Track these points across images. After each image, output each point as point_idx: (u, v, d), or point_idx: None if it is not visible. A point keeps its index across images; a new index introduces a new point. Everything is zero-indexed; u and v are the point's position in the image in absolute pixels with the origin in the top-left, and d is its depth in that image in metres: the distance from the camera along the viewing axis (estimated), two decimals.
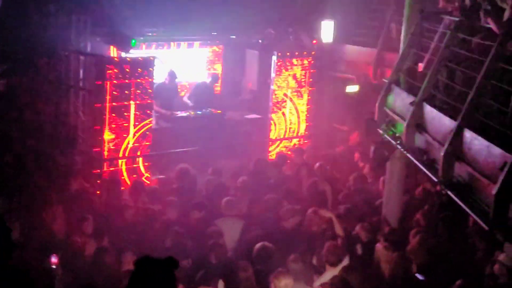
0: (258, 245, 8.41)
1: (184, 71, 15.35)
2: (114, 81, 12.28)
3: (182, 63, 15.36)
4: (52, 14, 12.09)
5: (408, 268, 8.31)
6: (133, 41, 12.04)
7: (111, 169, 12.51)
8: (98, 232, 9.32)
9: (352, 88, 15.62)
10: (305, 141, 15.47)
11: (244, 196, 10.88)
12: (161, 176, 12.79)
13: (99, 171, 12.33)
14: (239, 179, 11.47)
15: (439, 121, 7.80)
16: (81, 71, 12.63)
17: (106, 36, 12.29)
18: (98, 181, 12.10)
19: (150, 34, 12.91)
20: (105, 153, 12.44)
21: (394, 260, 8.46)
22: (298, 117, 15.39)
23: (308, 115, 15.51)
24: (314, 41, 15.38)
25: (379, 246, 8.92)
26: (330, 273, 8.34)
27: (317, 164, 12.31)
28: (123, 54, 12.54)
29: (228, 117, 14.61)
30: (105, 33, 12.30)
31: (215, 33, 14.55)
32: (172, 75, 14.51)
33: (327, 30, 15.37)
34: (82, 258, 8.67)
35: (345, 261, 8.56)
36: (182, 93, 15.35)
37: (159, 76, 13.86)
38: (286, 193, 11.07)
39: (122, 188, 11.82)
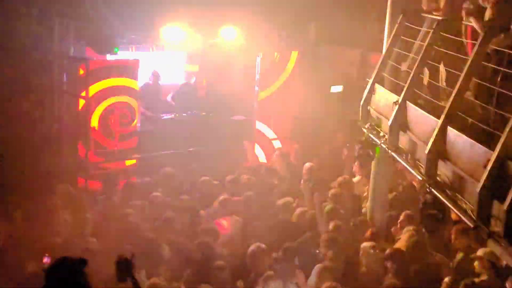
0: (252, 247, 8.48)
1: (168, 73, 15.33)
2: (98, 84, 12.24)
3: (165, 65, 15.36)
4: (34, 18, 12.05)
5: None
6: (116, 49, 12.02)
7: (99, 172, 12.47)
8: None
9: (337, 89, 15.64)
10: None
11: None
12: (147, 179, 12.76)
13: (85, 174, 12.27)
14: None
15: (423, 120, 7.85)
16: (64, 75, 12.61)
17: (89, 39, 12.23)
18: (84, 185, 12.06)
19: (133, 37, 12.84)
20: (90, 156, 12.38)
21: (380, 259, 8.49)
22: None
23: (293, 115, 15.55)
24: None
25: (365, 246, 8.97)
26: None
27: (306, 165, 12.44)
28: (108, 57, 12.50)
29: (213, 119, 14.57)
30: (88, 36, 12.24)
31: None
32: (156, 76, 14.47)
33: (309, 31, 15.39)
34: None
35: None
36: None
37: (143, 77, 13.83)
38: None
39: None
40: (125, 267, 5.79)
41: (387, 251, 8.41)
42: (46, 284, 5.15)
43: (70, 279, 5.14)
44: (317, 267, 8.28)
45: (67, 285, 5.15)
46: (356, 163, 12.05)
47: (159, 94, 14.81)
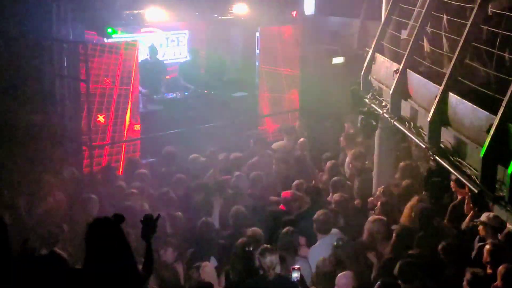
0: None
1: (167, 51, 15.27)
2: (98, 66, 12.17)
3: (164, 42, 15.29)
4: (32, 2, 11.98)
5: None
6: (112, 30, 11.93)
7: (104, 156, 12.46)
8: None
9: (338, 60, 15.56)
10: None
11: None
12: (152, 159, 12.77)
13: (89, 158, 12.26)
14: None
15: (424, 88, 7.78)
16: (64, 59, 12.55)
17: (86, 22, 12.15)
18: (88, 169, 12.07)
19: (131, 18, 12.73)
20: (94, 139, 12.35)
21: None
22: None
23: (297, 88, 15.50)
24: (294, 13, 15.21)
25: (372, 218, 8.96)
26: (322, 241, 8.43)
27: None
28: (106, 40, 12.41)
29: (214, 97, 14.50)
30: (85, 18, 12.16)
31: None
32: (152, 50, 14.31)
33: (308, 3, 15.28)
34: None
35: (334, 231, 8.61)
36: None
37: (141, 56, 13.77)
38: None
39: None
40: (150, 225, 5.99)
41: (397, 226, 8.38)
42: (87, 242, 5.50)
43: (109, 235, 5.49)
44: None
45: (107, 241, 5.48)
46: (342, 138, 12.06)
47: (161, 73, 14.70)
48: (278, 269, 7.54)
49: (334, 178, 10.39)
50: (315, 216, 8.61)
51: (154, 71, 14.31)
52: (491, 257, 6.97)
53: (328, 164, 11.20)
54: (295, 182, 10.37)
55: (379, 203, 9.23)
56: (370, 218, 8.46)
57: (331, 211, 8.92)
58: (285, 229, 8.35)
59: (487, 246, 7.12)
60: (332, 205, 9.50)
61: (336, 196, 9.60)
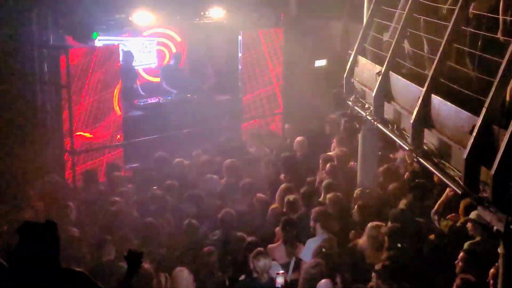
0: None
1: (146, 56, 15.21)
2: (79, 71, 12.09)
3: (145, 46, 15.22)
4: (12, 8, 11.88)
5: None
6: (94, 33, 11.85)
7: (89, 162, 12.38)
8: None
9: (321, 63, 15.56)
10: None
11: None
12: (135, 165, 12.71)
13: (71, 164, 12.16)
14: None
15: (407, 89, 7.78)
16: (45, 65, 12.45)
17: (67, 27, 12.06)
18: (70, 175, 11.97)
19: (112, 22, 12.66)
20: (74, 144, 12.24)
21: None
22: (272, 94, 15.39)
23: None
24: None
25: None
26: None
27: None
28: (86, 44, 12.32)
29: (198, 101, 14.44)
30: (66, 24, 12.07)
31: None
32: (127, 56, 14.15)
33: (291, 6, 15.27)
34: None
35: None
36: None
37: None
38: None
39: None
40: (134, 261, 5.72)
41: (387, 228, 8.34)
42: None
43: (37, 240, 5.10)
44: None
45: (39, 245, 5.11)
46: (335, 139, 12.05)
47: (134, 78, 14.57)
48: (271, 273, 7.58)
49: (327, 180, 10.30)
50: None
51: (128, 76, 14.12)
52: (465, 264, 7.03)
53: (329, 166, 11.09)
54: (283, 186, 10.29)
55: (356, 206, 9.24)
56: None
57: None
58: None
59: (461, 254, 7.16)
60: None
61: (330, 196, 9.52)
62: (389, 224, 8.38)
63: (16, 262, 5.07)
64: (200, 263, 8.10)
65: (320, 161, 11.37)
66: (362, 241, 8.25)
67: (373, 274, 7.12)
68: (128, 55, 14.18)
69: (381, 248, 7.91)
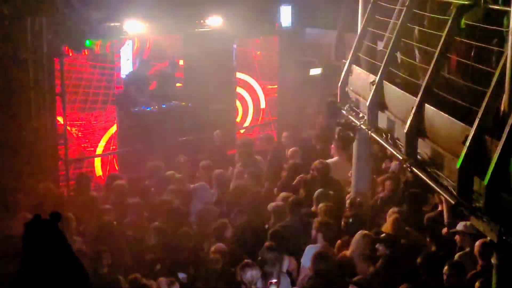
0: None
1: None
2: (74, 79, 12.09)
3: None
4: (6, 17, 11.85)
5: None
6: (88, 41, 11.85)
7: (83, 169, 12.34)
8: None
9: (315, 71, 15.58)
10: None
11: None
12: (129, 173, 12.66)
13: (64, 172, 12.13)
14: None
15: (400, 99, 7.80)
16: (40, 72, 12.42)
17: (61, 36, 12.04)
18: (63, 183, 11.94)
19: (108, 31, 12.62)
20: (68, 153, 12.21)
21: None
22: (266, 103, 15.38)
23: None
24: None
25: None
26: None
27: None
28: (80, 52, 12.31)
29: (193, 109, 14.41)
30: (60, 32, 12.05)
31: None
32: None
33: (285, 15, 15.27)
34: None
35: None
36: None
37: None
38: None
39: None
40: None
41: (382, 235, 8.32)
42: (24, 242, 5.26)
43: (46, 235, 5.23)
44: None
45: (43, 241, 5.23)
46: (333, 145, 11.99)
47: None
48: (259, 284, 7.50)
49: (318, 190, 10.23)
50: None
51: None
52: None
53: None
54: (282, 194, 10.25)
55: (343, 216, 9.24)
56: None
57: None
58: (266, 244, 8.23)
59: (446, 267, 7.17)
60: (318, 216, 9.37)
61: (321, 206, 9.48)
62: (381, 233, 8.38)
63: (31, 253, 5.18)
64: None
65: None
66: (350, 251, 8.22)
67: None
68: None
69: (371, 258, 7.88)
